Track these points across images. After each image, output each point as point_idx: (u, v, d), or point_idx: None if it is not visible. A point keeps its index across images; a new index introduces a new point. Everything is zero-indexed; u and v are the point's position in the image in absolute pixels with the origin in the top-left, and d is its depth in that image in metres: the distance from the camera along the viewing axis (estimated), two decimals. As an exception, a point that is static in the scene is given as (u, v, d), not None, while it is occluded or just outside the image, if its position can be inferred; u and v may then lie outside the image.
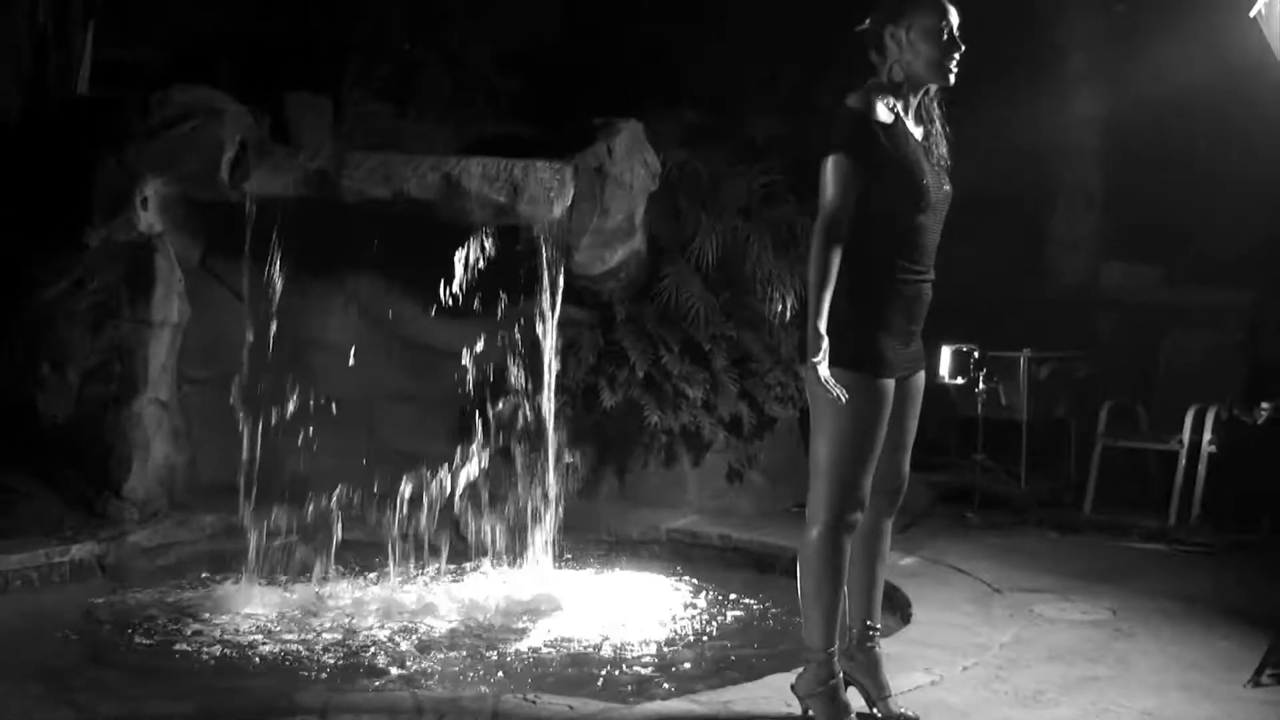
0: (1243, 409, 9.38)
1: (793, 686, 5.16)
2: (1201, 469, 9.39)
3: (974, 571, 7.99)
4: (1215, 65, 9.47)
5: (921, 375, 5.21)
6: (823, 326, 4.75)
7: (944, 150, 5.10)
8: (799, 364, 4.99)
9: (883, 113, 4.91)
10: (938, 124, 5.11)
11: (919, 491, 9.50)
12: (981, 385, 9.91)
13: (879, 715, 5.25)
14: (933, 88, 5.07)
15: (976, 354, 9.93)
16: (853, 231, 4.84)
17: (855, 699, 5.22)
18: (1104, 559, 8.51)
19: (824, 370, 4.74)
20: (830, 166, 4.86)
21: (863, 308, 4.90)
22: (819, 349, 4.74)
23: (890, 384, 4.95)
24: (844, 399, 4.77)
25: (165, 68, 10.36)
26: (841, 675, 5.10)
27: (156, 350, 8.80)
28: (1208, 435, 9.42)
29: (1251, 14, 6.35)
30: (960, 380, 9.99)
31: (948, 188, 5.07)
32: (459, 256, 8.95)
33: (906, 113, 5.00)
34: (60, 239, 8.82)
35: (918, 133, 5.01)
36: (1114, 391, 10.35)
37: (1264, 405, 9.19)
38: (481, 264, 8.97)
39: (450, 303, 8.97)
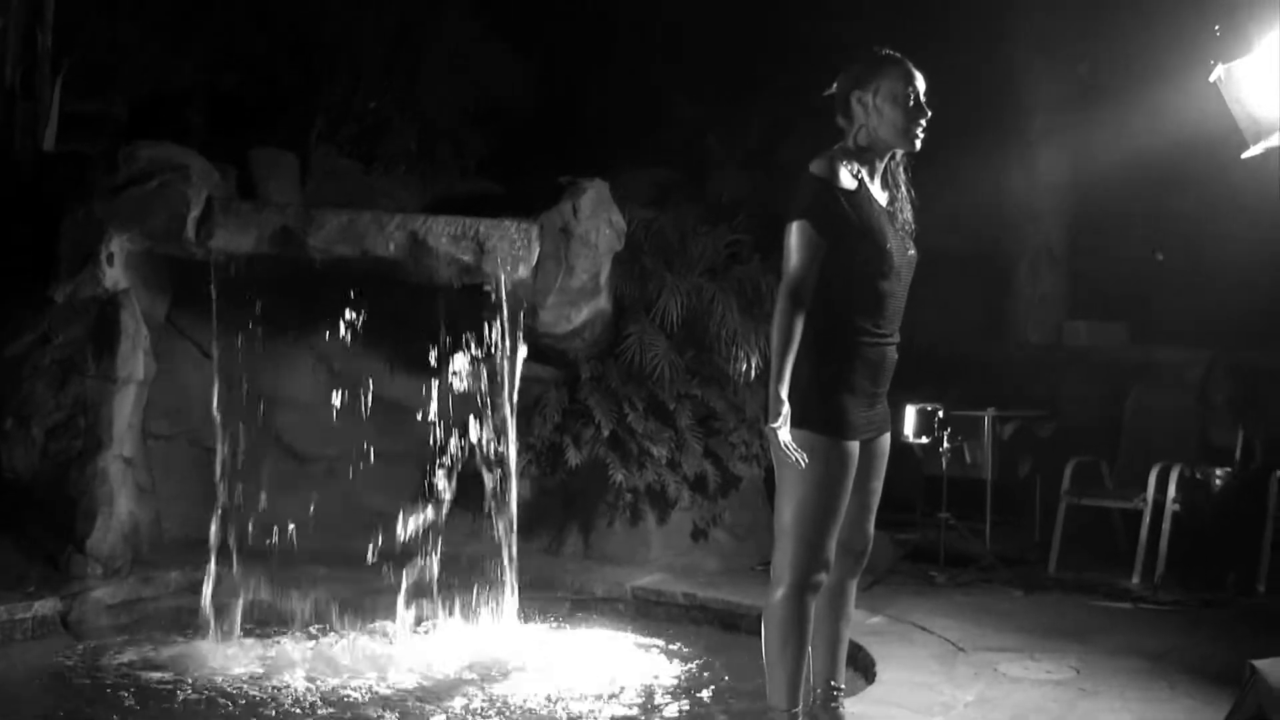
0: (1202, 469, 9.45)
1: (757, 747, 5.17)
2: (1166, 526, 9.42)
3: (939, 630, 7.99)
4: (1176, 128, 9.56)
5: (887, 437, 5.24)
6: (784, 392, 4.79)
7: (909, 215, 5.15)
8: (763, 424, 5.01)
9: (846, 179, 4.95)
10: (903, 189, 5.16)
11: (884, 550, 9.50)
12: (946, 444, 9.93)
13: (843, 775, 5.27)
14: (898, 152, 5.12)
15: (941, 413, 9.96)
16: (817, 296, 4.88)
17: (819, 760, 5.23)
18: (1069, 617, 8.52)
19: (784, 435, 4.78)
20: (794, 233, 4.91)
21: (827, 371, 4.93)
22: (779, 414, 4.78)
23: (855, 446, 4.98)
24: (804, 463, 4.79)
25: (133, 122, 10.41)
26: (805, 736, 5.11)
27: (121, 406, 8.76)
28: (1172, 493, 9.45)
29: (1211, 79, 6.43)
30: (925, 439, 10.01)
31: (912, 253, 5.11)
32: (425, 314, 8.95)
33: (872, 178, 5.05)
34: (26, 294, 8.80)
35: (882, 198, 5.06)
36: (1078, 449, 10.38)
37: (1218, 473, 9.26)
38: (447, 322, 8.97)
39: (416, 360, 8.98)
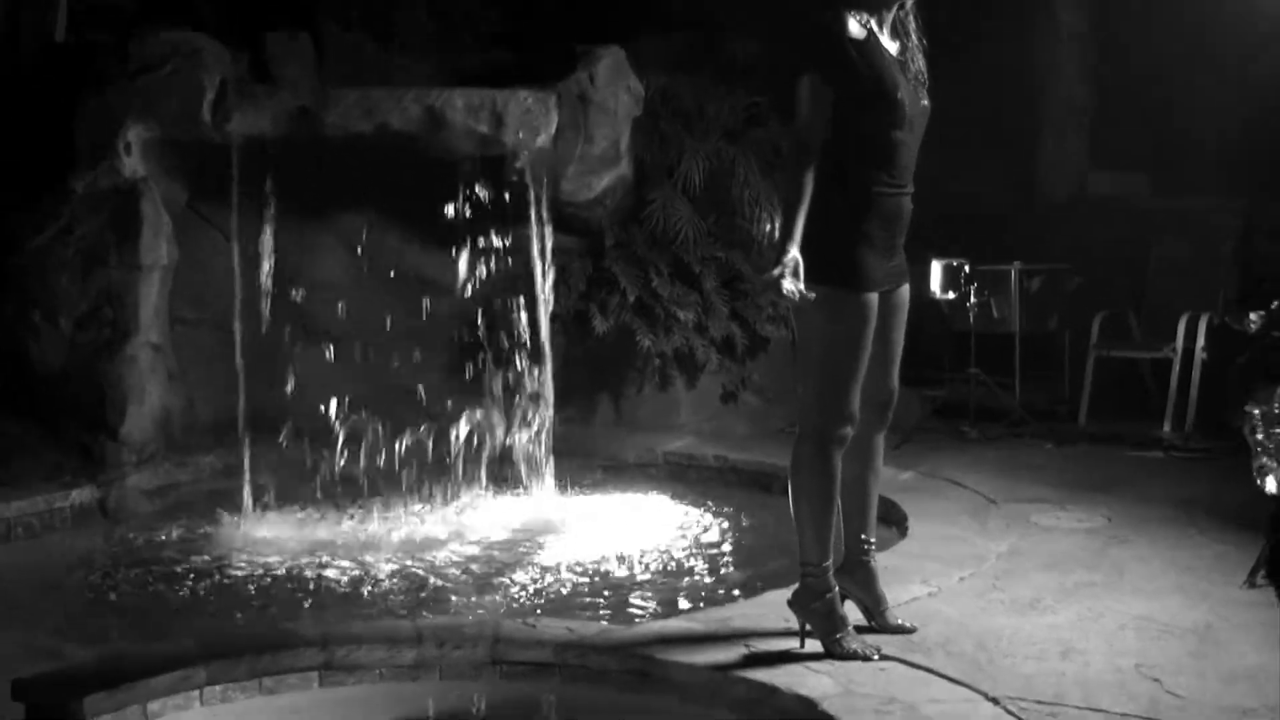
0: (1234, 316, 9.38)
1: (789, 602, 5.18)
2: (1195, 376, 9.39)
3: (971, 484, 8.03)
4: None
5: (906, 289, 5.20)
6: (792, 244, 4.75)
7: (921, 64, 5.08)
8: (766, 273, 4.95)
9: (854, 28, 4.89)
10: (914, 38, 5.08)
11: (914, 407, 9.57)
12: (973, 299, 9.88)
13: (876, 628, 5.30)
14: (908, 1, 5.04)
15: (967, 268, 9.90)
16: (830, 148, 4.85)
17: (852, 612, 5.26)
18: (1099, 468, 8.55)
19: (788, 284, 4.73)
20: (802, 85, 4.87)
21: (843, 224, 4.90)
22: (777, 262, 4.75)
23: (874, 298, 4.95)
24: (801, 296, 4.74)
25: (143, 10, 10.30)
26: (838, 590, 5.13)
27: (147, 294, 8.79)
28: (1200, 342, 9.41)
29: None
30: (951, 295, 9.95)
31: (925, 102, 5.05)
32: (446, 189, 8.94)
33: (881, 28, 4.98)
34: (46, 187, 8.80)
35: (893, 48, 4.99)
36: (1105, 302, 10.34)
37: (1252, 316, 9.19)
38: (469, 195, 8.97)
39: (440, 236, 8.99)
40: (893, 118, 4.89)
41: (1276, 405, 2.98)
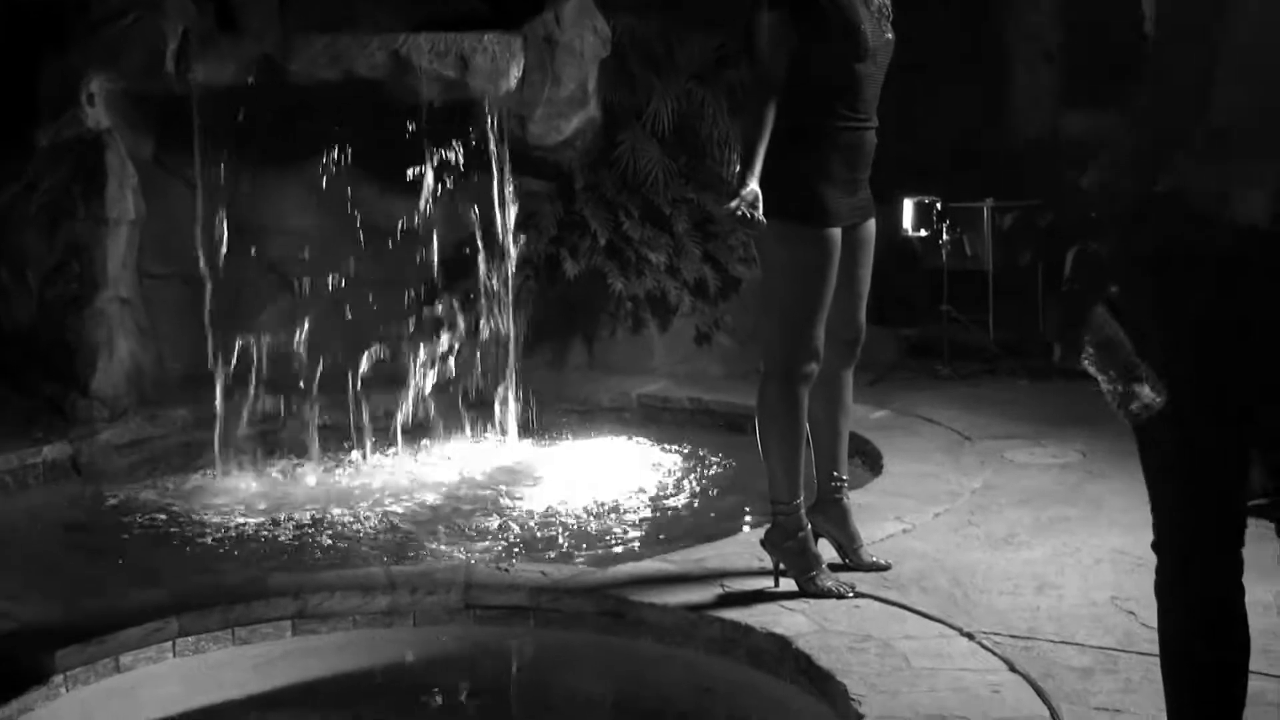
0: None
1: (762, 542, 5.17)
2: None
3: (945, 421, 8.02)
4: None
5: (871, 224, 5.17)
6: (751, 177, 4.73)
7: (884, -1, 5.05)
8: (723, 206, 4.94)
9: (816, -39, 4.85)
10: (877, -29, 5.05)
11: (888, 345, 9.55)
12: (945, 237, 9.85)
13: (851, 565, 5.30)
14: (870, -68, 5.00)
15: (939, 206, 9.86)
16: (792, 82, 4.81)
17: (827, 551, 5.26)
18: (1074, 404, 8.49)
19: (745, 213, 4.70)
20: (762, 18, 4.84)
21: (805, 158, 4.88)
22: (736, 194, 4.72)
23: (836, 233, 4.93)
24: (755, 221, 4.71)
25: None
26: (810, 528, 5.12)
27: (114, 247, 8.72)
28: (1174, 277, 9.37)
29: None
30: (923, 232, 9.92)
31: (889, 36, 5.01)
32: (414, 135, 8.89)
33: (842, -39, 4.94)
34: (8, 142, 8.73)
35: (856, -19, 4.95)
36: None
37: None
38: (438, 141, 8.91)
39: (406, 181, 8.94)
40: (855, 50, 4.85)
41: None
